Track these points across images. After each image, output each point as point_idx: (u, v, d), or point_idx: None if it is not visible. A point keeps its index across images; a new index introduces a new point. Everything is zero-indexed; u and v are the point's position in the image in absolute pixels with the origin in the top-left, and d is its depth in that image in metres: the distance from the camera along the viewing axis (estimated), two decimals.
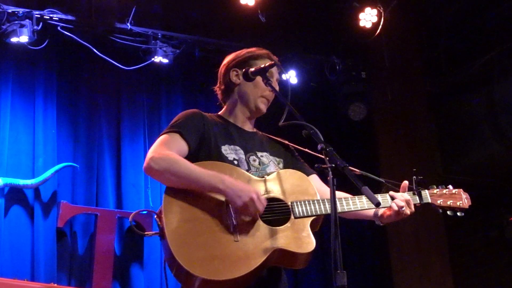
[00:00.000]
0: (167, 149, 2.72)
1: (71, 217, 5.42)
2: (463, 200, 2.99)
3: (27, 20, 5.34)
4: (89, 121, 5.81)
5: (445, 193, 2.99)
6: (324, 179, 2.77)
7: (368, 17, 6.43)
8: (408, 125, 7.01)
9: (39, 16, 5.43)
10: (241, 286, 2.58)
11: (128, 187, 5.74)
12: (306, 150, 3.01)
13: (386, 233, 6.70)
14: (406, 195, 2.87)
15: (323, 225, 2.81)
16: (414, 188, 2.92)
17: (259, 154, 2.93)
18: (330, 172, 2.45)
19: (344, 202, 2.80)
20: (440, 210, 2.98)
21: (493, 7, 6.73)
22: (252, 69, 2.90)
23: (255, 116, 3.04)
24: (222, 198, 2.65)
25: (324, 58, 6.65)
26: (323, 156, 2.54)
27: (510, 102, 6.54)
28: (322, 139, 2.59)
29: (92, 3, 5.74)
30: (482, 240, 7.58)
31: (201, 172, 2.64)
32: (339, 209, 2.73)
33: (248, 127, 3.03)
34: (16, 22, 5.30)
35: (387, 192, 2.88)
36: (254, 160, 2.89)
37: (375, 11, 6.43)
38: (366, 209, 2.83)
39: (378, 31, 6.45)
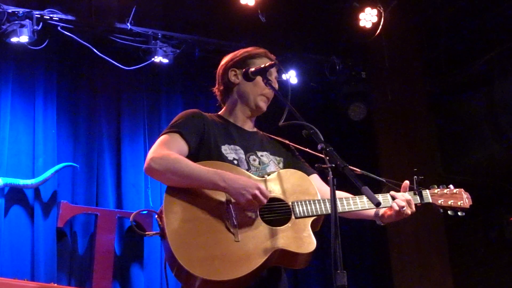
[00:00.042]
0: (167, 149, 2.72)
1: (71, 217, 5.42)
2: (464, 200, 2.99)
3: (27, 20, 5.34)
4: (89, 121, 5.81)
5: (446, 193, 2.98)
6: (324, 179, 2.77)
7: (368, 17, 6.43)
8: (408, 125, 7.01)
9: (39, 16, 5.43)
10: (242, 286, 2.58)
11: (128, 187, 5.74)
12: (307, 149, 3.01)
13: (386, 233, 6.70)
14: (407, 195, 2.86)
15: (324, 225, 2.80)
16: (415, 188, 2.92)
17: (259, 153, 2.93)
18: (330, 172, 2.45)
19: (344, 202, 2.80)
20: (441, 210, 2.97)
21: (493, 7, 6.73)
22: (252, 69, 2.91)
23: (256, 114, 3.04)
24: (223, 198, 2.65)
25: (324, 58, 6.65)
26: (323, 156, 2.54)
27: (510, 102, 6.54)
28: (322, 139, 2.59)
29: (92, 3, 5.74)
30: (482, 240, 7.58)
31: (202, 170, 2.64)
32: (340, 209, 2.73)
33: (248, 126, 3.03)
34: (16, 22, 5.30)
35: (388, 192, 2.88)
36: (254, 160, 2.89)
37: (375, 11, 6.43)
38: (367, 209, 2.83)
39: (378, 31, 6.45)
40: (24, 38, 5.32)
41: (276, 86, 2.97)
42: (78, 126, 5.77)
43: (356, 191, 2.63)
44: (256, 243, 2.59)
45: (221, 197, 2.65)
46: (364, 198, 2.80)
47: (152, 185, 5.72)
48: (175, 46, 5.95)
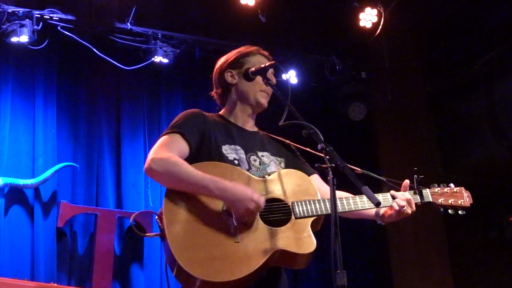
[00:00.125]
0: (168, 150, 2.72)
1: (71, 217, 5.42)
2: (464, 198, 2.98)
3: (27, 20, 5.34)
4: (89, 121, 5.81)
5: (447, 192, 2.98)
6: (325, 178, 2.77)
7: (368, 17, 6.43)
8: (408, 125, 7.01)
9: (39, 16, 5.43)
10: (242, 287, 2.57)
11: (128, 187, 5.74)
12: (307, 149, 3.01)
13: (386, 233, 6.71)
14: (407, 194, 2.86)
15: (324, 225, 2.80)
16: (415, 187, 2.91)
17: (259, 154, 2.93)
18: (330, 172, 2.45)
19: (344, 202, 2.80)
20: (442, 209, 2.97)
21: (493, 7, 6.73)
22: (253, 69, 2.92)
23: (257, 111, 3.04)
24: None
25: (324, 58, 6.65)
26: (323, 156, 2.54)
27: (510, 102, 6.54)
28: (322, 139, 2.59)
29: (92, 3, 5.73)
30: (482, 240, 7.58)
31: (199, 176, 2.64)
32: (340, 209, 2.73)
33: (249, 126, 3.03)
34: (16, 22, 5.30)
35: (388, 191, 2.88)
36: (255, 160, 2.89)
37: (375, 11, 6.43)
38: (367, 208, 2.83)
39: (378, 31, 6.46)
40: (24, 38, 5.31)
41: (274, 80, 2.96)
42: (78, 126, 5.76)
43: (356, 191, 2.63)
44: (256, 243, 2.59)
45: None
46: (364, 198, 2.80)
47: (152, 185, 5.72)
48: (175, 46, 5.95)
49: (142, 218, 5.44)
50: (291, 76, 6.34)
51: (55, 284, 4.60)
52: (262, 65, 2.93)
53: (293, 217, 2.70)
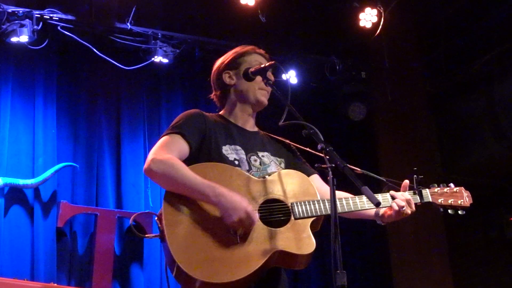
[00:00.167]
0: (168, 151, 2.72)
1: (71, 217, 5.42)
2: (464, 198, 2.98)
3: (27, 19, 5.34)
4: (89, 121, 5.81)
5: (446, 192, 2.97)
6: (325, 178, 2.77)
7: (368, 17, 6.44)
8: (408, 125, 7.01)
9: (39, 16, 5.43)
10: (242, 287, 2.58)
11: (128, 187, 5.74)
12: (307, 149, 3.01)
13: (386, 233, 6.70)
14: (407, 195, 2.86)
15: (323, 225, 2.80)
16: (415, 187, 2.91)
17: (260, 154, 2.93)
18: (330, 172, 2.45)
19: (344, 202, 2.80)
20: (441, 209, 2.97)
21: (493, 7, 6.73)
22: (252, 69, 2.93)
23: (257, 109, 3.04)
24: None
25: (324, 58, 6.65)
26: (323, 156, 2.54)
27: (510, 102, 6.54)
28: (322, 139, 2.59)
29: (92, 3, 5.74)
30: (482, 240, 7.58)
31: (196, 180, 2.63)
32: (340, 209, 2.73)
33: (250, 126, 3.03)
34: (16, 21, 5.30)
35: (388, 191, 2.87)
36: (255, 160, 2.89)
37: (375, 11, 6.43)
38: (367, 209, 2.83)
39: (378, 31, 6.46)
40: (24, 38, 5.32)
41: (272, 78, 2.97)
42: (78, 126, 5.76)
43: (356, 191, 2.63)
44: (255, 244, 2.59)
45: None
46: (364, 198, 2.80)
47: (152, 185, 5.71)
48: (175, 46, 5.95)
49: (142, 219, 5.44)
50: (291, 76, 6.34)
51: (55, 284, 4.60)
52: (262, 65, 2.93)
53: (292, 217, 2.70)
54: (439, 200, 2.95)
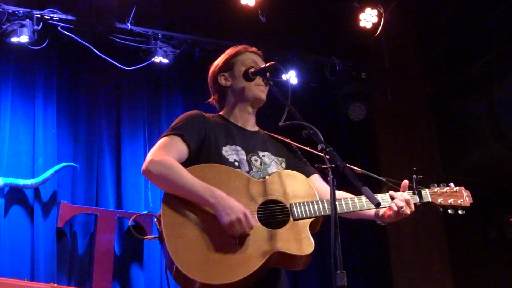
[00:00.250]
0: (166, 153, 2.72)
1: (71, 217, 5.42)
2: (464, 198, 2.97)
3: (28, 20, 5.34)
4: (89, 121, 5.81)
5: (446, 192, 2.96)
6: (325, 179, 2.77)
7: (368, 18, 6.44)
8: (408, 125, 7.02)
9: (39, 16, 5.43)
10: None
11: (128, 187, 5.74)
12: (308, 148, 3.00)
13: (386, 233, 6.71)
14: (406, 195, 2.85)
15: (323, 225, 2.80)
16: (414, 187, 2.91)
17: (260, 154, 2.93)
18: (330, 173, 2.45)
19: (343, 203, 2.79)
20: (441, 209, 2.96)
21: (493, 7, 6.73)
22: (252, 70, 2.94)
23: (257, 107, 3.04)
24: None
25: (324, 59, 6.65)
26: (323, 155, 2.54)
27: (510, 103, 6.54)
28: (322, 139, 2.59)
29: (92, 3, 5.74)
30: (482, 240, 7.58)
31: (194, 182, 2.63)
32: (339, 209, 2.72)
33: (250, 126, 3.03)
34: (17, 22, 5.30)
35: (387, 191, 2.87)
36: (256, 160, 2.88)
37: (375, 12, 6.43)
38: (367, 209, 2.83)
39: (378, 31, 6.46)
40: (24, 38, 5.31)
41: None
42: (78, 126, 5.76)
43: (356, 191, 2.63)
44: (254, 245, 2.59)
45: None
46: (364, 199, 2.79)
47: (152, 186, 5.69)
48: (175, 46, 5.95)
49: (142, 219, 5.44)
50: (291, 77, 6.34)
51: (55, 284, 4.60)
52: (262, 66, 2.94)
53: (291, 218, 2.70)
54: (439, 200, 2.94)
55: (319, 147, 2.56)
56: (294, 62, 6.44)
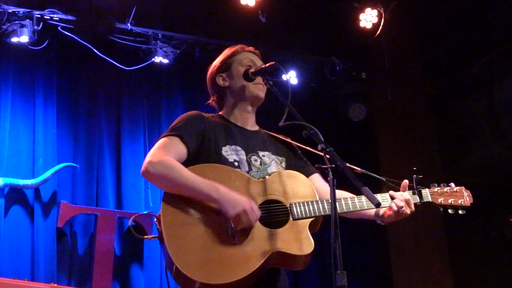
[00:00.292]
0: (165, 153, 2.72)
1: (71, 217, 5.42)
2: (464, 198, 2.96)
3: (28, 20, 5.34)
4: (89, 121, 5.81)
5: (446, 192, 2.96)
6: (325, 178, 2.77)
7: (368, 18, 6.44)
8: (408, 125, 7.02)
9: (39, 16, 5.43)
10: None
11: (128, 187, 5.74)
12: (308, 148, 3.00)
13: (386, 233, 6.71)
14: (406, 195, 2.85)
15: (323, 226, 2.80)
16: (414, 187, 2.91)
17: (260, 153, 2.93)
18: (330, 173, 2.46)
19: (343, 203, 2.79)
20: (441, 209, 2.96)
21: (493, 7, 6.73)
22: (253, 70, 2.94)
23: (256, 105, 3.04)
24: None
25: (324, 59, 6.65)
26: (324, 155, 2.54)
27: (510, 103, 6.54)
28: (322, 139, 2.59)
29: (92, 3, 5.74)
30: (482, 240, 7.58)
31: (196, 180, 2.64)
32: (339, 209, 2.72)
33: (250, 125, 3.03)
34: (17, 22, 5.30)
35: (387, 191, 2.87)
36: (256, 160, 2.89)
37: (375, 12, 6.43)
38: (366, 209, 2.83)
39: (379, 31, 6.46)
40: (24, 38, 5.32)
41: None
42: (78, 126, 5.76)
43: (356, 191, 2.63)
44: (254, 245, 2.59)
45: None
46: (364, 198, 2.79)
47: (152, 186, 5.67)
48: (175, 46, 5.95)
49: (142, 219, 5.44)
50: (291, 77, 6.34)
51: (55, 284, 4.60)
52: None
53: (291, 218, 2.70)
54: (439, 200, 2.94)
55: (319, 147, 2.56)
56: (294, 62, 6.45)
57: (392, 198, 2.82)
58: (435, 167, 7.06)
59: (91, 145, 5.74)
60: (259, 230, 2.63)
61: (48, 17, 5.50)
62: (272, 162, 2.92)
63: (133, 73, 5.87)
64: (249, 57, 3.03)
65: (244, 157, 2.86)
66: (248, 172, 2.81)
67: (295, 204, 2.72)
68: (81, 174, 5.60)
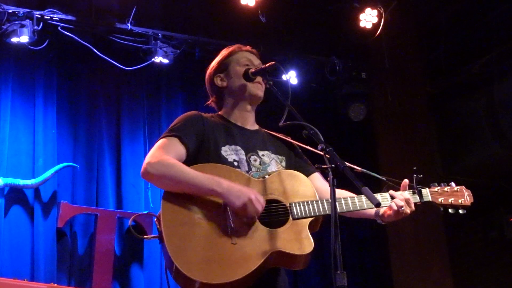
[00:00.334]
0: (164, 154, 2.72)
1: (71, 217, 5.41)
2: (465, 197, 2.96)
3: (28, 20, 5.34)
4: (89, 121, 5.81)
5: (446, 191, 2.96)
6: (325, 178, 2.77)
7: (368, 18, 6.44)
8: (408, 125, 7.01)
9: (39, 16, 5.43)
10: None
11: (128, 187, 5.74)
12: (308, 147, 3.00)
13: (386, 233, 6.70)
14: (406, 194, 2.85)
15: (323, 225, 2.80)
16: (415, 186, 2.90)
17: (260, 153, 2.93)
18: (330, 173, 2.46)
19: (343, 202, 2.79)
20: (441, 209, 2.96)
21: (493, 7, 6.73)
22: (252, 70, 2.94)
23: (255, 104, 3.04)
24: (220, 201, 2.65)
25: (324, 59, 6.65)
26: (323, 155, 2.55)
27: (510, 103, 6.53)
28: (322, 139, 2.59)
29: (92, 3, 5.74)
30: (482, 240, 7.58)
31: (198, 175, 2.64)
32: (339, 209, 2.72)
33: (250, 124, 3.03)
34: (17, 22, 5.30)
35: (387, 191, 2.87)
36: (255, 160, 2.89)
37: (375, 12, 6.43)
38: (366, 208, 2.82)
39: (379, 31, 6.46)
40: (24, 38, 5.32)
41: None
42: (78, 126, 5.76)
43: (356, 191, 2.63)
44: (253, 245, 2.59)
45: (218, 200, 2.65)
46: (364, 198, 2.79)
47: (152, 186, 5.67)
48: (175, 46, 5.95)
49: (142, 219, 5.44)
50: (291, 77, 6.34)
51: (55, 284, 4.60)
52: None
53: (291, 218, 2.70)
54: (439, 200, 2.94)
55: (319, 147, 2.57)
56: (294, 62, 6.45)
57: (392, 197, 2.82)
58: (435, 167, 7.06)
59: (91, 145, 5.74)
60: (259, 230, 2.64)
61: (48, 17, 5.50)
62: (272, 162, 2.92)
63: (133, 73, 5.87)
64: (246, 57, 3.04)
65: (243, 156, 2.86)
66: (247, 171, 2.82)
67: (294, 203, 2.72)
68: (81, 174, 5.60)
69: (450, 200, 2.94)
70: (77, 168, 5.55)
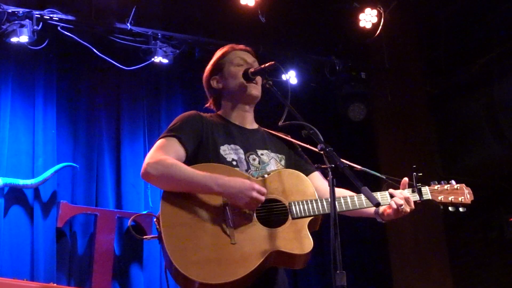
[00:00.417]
0: (163, 154, 2.73)
1: (70, 217, 5.41)
2: (465, 195, 2.95)
3: (27, 20, 5.34)
4: (89, 121, 5.81)
5: (446, 189, 2.95)
6: (325, 177, 2.77)
7: (368, 18, 6.44)
8: (408, 125, 7.01)
9: (39, 16, 5.42)
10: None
11: (128, 187, 5.74)
12: (308, 146, 3.00)
13: (386, 233, 6.70)
14: (406, 193, 2.85)
15: (323, 225, 2.80)
16: (414, 185, 2.90)
17: (259, 152, 2.93)
18: (330, 172, 2.46)
19: (342, 201, 2.79)
20: (441, 207, 2.96)
21: (493, 7, 6.73)
22: (252, 70, 2.95)
23: (252, 104, 3.04)
24: (219, 201, 2.65)
25: (324, 59, 6.65)
26: (323, 154, 2.55)
27: (510, 102, 6.53)
28: (322, 139, 2.59)
29: (92, 3, 5.73)
30: (482, 240, 7.58)
31: (197, 175, 2.65)
32: (338, 208, 2.72)
33: (249, 124, 3.03)
34: (16, 22, 5.29)
35: (387, 189, 2.87)
36: (254, 159, 2.89)
37: (375, 12, 6.44)
38: (366, 207, 2.82)
39: (378, 31, 6.46)
40: (24, 38, 5.31)
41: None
42: (78, 126, 5.76)
43: (356, 190, 2.63)
44: (252, 244, 2.59)
45: (218, 200, 2.66)
46: (363, 197, 2.79)
47: (152, 186, 5.67)
48: (175, 46, 5.95)
49: (142, 219, 5.44)
50: (291, 77, 6.34)
51: (55, 284, 4.59)
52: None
53: (290, 217, 2.70)
54: (439, 198, 2.93)
55: (319, 147, 2.57)
56: (294, 62, 6.44)
57: (392, 196, 2.82)
58: (435, 167, 7.05)
59: (91, 145, 5.73)
60: (258, 229, 2.64)
61: (48, 17, 5.49)
62: (271, 161, 2.92)
63: (132, 73, 5.87)
64: (239, 56, 3.04)
65: (242, 156, 2.87)
66: (246, 171, 2.82)
67: (294, 203, 2.72)
68: (81, 174, 5.60)
69: (450, 198, 2.94)
70: (77, 168, 5.55)
